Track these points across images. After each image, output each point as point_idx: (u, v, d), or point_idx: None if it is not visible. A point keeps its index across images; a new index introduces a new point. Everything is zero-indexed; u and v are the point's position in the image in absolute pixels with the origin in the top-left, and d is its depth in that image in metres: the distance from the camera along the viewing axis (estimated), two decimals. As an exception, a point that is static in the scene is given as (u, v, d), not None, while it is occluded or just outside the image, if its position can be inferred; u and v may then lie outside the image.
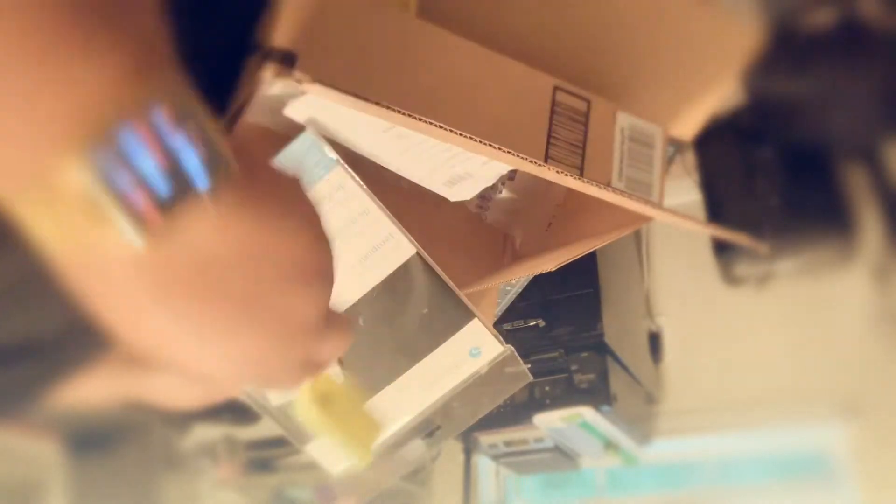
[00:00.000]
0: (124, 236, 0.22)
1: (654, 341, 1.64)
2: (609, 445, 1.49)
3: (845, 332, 1.37)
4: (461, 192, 0.62)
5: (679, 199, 1.66)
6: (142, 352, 0.28)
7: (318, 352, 0.32)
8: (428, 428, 0.64)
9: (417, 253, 0.60)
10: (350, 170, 0.58)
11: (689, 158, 1.33)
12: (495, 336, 0.61)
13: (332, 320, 0.33)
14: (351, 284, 0.61)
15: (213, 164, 0.23)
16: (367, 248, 0.60)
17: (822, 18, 0.62)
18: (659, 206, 0.58)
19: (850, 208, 0.97)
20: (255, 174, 0.26)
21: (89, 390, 0.47)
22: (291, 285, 0.28)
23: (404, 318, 0.62)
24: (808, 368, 1.44)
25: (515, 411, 1.41)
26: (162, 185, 0.22)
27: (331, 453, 0.64)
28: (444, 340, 0.62)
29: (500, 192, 0.68)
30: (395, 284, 0.61)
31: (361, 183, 0.58)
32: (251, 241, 0.25)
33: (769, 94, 0.53)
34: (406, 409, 0.64)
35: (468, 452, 1.63)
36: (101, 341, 0.39)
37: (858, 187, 0.92)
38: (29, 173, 0.21)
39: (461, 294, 0.61)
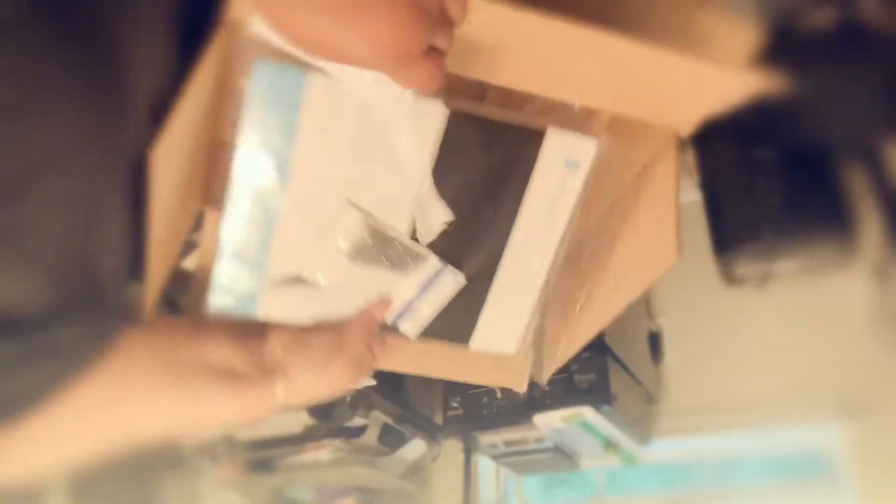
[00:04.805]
0: None
1: (654, 341, 1.64)
2: (609, 445, 1.48)
3: (845, 332, 1.36)
4: None
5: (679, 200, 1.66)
6: (306, 46, 0.40)
7: (435, 37, 0.41)
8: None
9: (452, 112, 0.56)
10: (321, 66, 0.53)
11: (689, 158, 1.33)
12: (579, 132, 0.57)
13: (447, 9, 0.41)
14: (415, 159, 0.57)
15: None
16: (406, 124, 0.56)
17: (822, 18, 0.62)
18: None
19: (850, 208, 0.96)
20: None
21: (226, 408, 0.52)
22: None
23: (483, 166, 0.59)
24: (808, 368, 1.43)
25: (515, 411, 1.41)
26: None
27: None
28: (534, 165, 0.59)
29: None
30: (452, 144, 0.57)
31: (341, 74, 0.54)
32: None
33: (769, 94, 0.53)
34: (545, 243, 0.63)
35: (468, 452, 1.63)
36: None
37: (858, 187, 0.92)
38: None
39: (515, 118, 0.57)
